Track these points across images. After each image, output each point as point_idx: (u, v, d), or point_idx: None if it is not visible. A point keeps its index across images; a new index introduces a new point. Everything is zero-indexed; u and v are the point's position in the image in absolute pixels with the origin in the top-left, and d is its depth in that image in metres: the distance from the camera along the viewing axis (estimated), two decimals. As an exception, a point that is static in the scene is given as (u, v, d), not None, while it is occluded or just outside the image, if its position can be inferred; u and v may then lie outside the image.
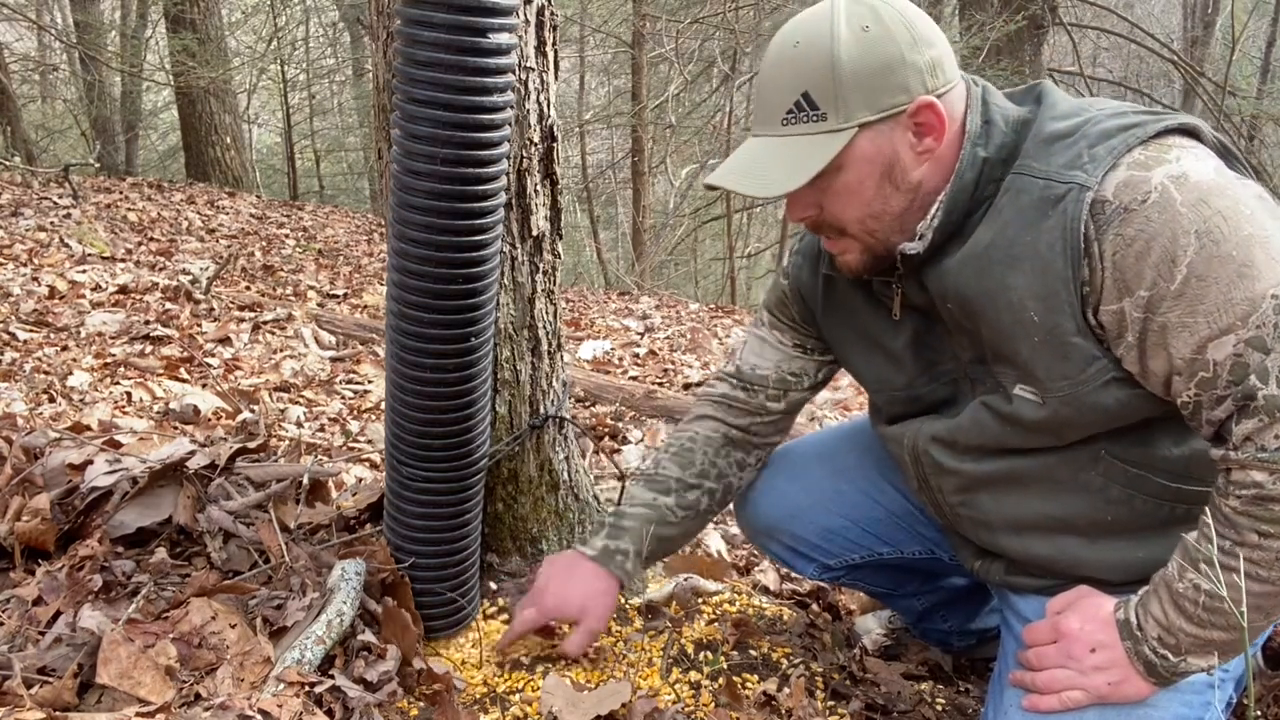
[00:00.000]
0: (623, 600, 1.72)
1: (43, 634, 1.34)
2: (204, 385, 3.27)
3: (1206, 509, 1.09)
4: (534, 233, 1.59)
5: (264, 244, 6.82)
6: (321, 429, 2.96)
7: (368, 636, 1.40)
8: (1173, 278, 1.02)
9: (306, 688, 1.25)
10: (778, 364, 1.48)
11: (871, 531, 1.56)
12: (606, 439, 3.18)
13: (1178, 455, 1.19)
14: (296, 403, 3.24)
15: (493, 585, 1.67)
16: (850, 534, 1.56)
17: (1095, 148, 1.08)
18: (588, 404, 3.59)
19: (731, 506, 1.63)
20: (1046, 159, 1.11)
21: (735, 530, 2.28)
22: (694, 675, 1.51)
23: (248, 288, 5.22)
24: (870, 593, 1.75)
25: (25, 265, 4.70)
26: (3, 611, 1.41)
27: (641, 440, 3.18)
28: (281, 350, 3.93)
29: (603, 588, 1.45)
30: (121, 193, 7.66)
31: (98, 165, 9.00)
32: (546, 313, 1.67)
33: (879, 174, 1.14)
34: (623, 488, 1.79)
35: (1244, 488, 1.04)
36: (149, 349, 3.66)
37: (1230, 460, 1.05)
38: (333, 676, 1.31)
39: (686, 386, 4.12)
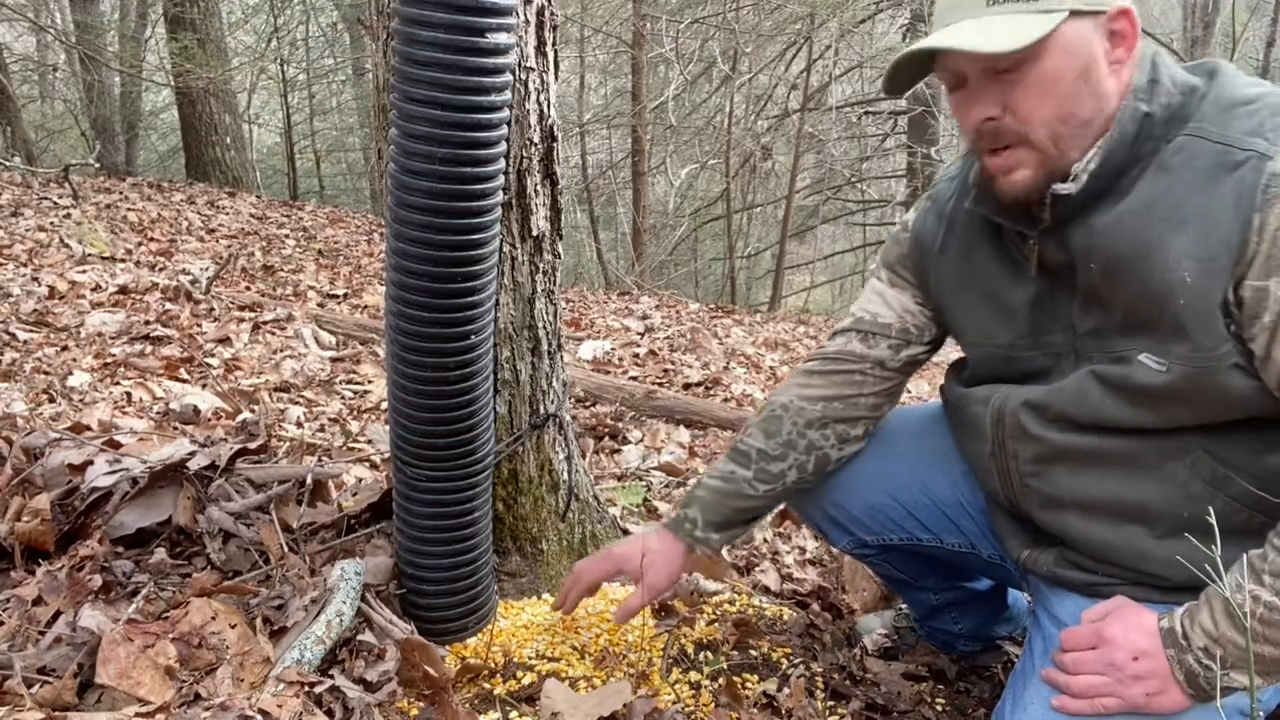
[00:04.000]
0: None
1: (43, 634, 1.34)
2: (204, 385, 3.27)
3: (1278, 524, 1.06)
4: (534, 233, 1.59)
5: (264, 244, 6.82)
6: (321, 429, 2.96)
7: (368, 636, 1.40)
8: None
9: (306, 688, 1.25)
10: (900, 314, 1.45)
11: (915, 516, 1.53)
12: (606, 439, 3.18)
13: (1273, 465, 1.15)
14: (296, 403, 3.23)
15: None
16: (894, 514, 1.53)
17: (1278, 116, 1.07)
18: (588, 404, 3.58)
19: None
20: (1225, 124, 1.09)
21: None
22: (694, 675, 1.51)
23: (248, 288, 5.22)
24: (890, 578, 1.71)
25: (25, 265, 4.70)
26: (3, 611, 1.41)
27: (641, 440, 3.18)
28: (281, 350, 3.92)
29: (668, 548, 1.50)
30: (121, 193, 7.66)
31: (98, 165, 8.98)
32: (546, 313, 1.67)
33: (1078, 70, 1.11)
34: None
35: None
36: (149, 349, 3.66)
37: None
38: (333, 676, 1.31)
39: (686, 386, 4.12)
